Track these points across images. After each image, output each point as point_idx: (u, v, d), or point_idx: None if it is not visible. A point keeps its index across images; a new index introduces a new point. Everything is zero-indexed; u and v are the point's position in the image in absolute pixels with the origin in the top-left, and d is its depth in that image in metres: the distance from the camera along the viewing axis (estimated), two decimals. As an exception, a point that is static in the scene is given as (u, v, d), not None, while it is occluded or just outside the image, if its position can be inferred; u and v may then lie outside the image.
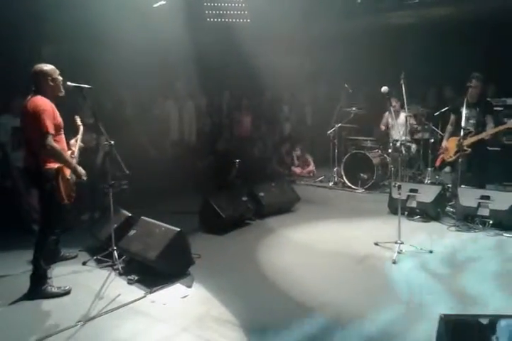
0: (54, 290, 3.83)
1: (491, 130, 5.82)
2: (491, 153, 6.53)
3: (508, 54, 7.68)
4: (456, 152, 5.88)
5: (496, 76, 7.16)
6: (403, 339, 3.16)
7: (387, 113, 6.74)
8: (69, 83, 4.18)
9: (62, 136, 3.99)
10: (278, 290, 3.96)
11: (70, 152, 4.10)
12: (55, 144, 3.72)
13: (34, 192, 5.32)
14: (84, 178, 4.07)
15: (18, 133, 5.00)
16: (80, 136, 4.39)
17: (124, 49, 7.85)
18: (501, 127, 5.89)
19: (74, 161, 4.04)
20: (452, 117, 6.20)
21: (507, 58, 7.68)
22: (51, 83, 3.86)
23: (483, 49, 7.79)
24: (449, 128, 6.23)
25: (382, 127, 7.91)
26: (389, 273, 4.26)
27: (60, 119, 3.90)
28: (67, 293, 3.86)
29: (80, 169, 4.01)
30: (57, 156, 3.77)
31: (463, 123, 5.67)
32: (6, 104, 5.61)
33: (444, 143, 6.18)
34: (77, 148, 4.27)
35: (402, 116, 7.30)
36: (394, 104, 7.03)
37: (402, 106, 6.68)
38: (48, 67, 3.88)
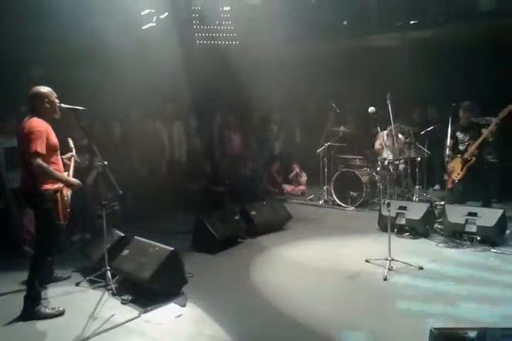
0: (48, 311, 3.82)
1: (486, 130, 5.97)
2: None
3: (489, 74, 7.94)
4: (462, 167, 6.09)
5: (479, 96, 7.39)
6: (396, 354, 3.22)
7: (383, 132, 6.86)
8: (62, 105, 4.26)
9: (59, 157, 4.03)
10: (271, 308, 3.99)
11: (65, 173, 4.11)
12: (41, 162, 3.71)
13: (27, 213, 5.36)
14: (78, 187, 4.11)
15: (13, 153, 5.02)
16: (74, 153, 4.40)
17: (115, 70, 7.97)
18: (502, 114, 5.86)
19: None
20: (450, 142, 6.35)
21: (490, 77, 7.94)
22: (47, 105, 3.93)
23: (463, 70, 8.05)
24: (448, 152, 6.32)
25: (379, 147, 7.83)
26: (380, 289, 4.32)
27: (55, 140, 3.94)
28: (61, 314, 3.85)
29: (74, 180, 4.04)
30: (48, 173, 3.77)
31: (461, 147, 6.16)
32: (1, 125, 5.66)
33: (450, 165, 6.26)
34: (72, 164, 4.29)
35: (400, 136, 7.46)
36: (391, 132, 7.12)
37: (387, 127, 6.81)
38: (45, 89, 3.96)
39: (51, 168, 3.81)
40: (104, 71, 8.35)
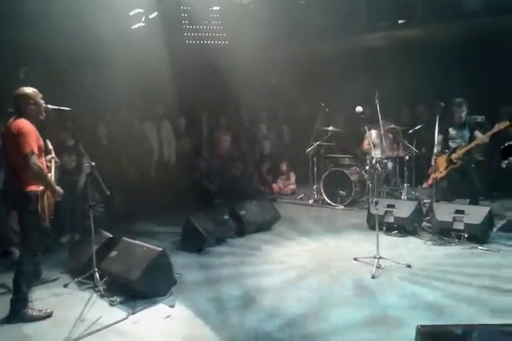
0: (35, 313, 3.80)
1: (481, 137, 6.03)
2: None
3: (477, 73, 8.02)
4: (446, 167, 6.15)
5: (465, 94, 7.45)
6: (383, 352, 3.24)
7: (371, 131, 6.88)
8: (49, 106, 4.23)
9: (43, 158, 4.02)
10: (260, 308, 4.00)
11: (49, 174, 4.08)
12: (40, 164, 3.76)
13: (13, 214, 5.30)
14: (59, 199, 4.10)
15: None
16: (54, 155, 4.33)
17: (103, 70, 7.93)
18: (491, 131, 5.94)
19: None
20: (440, 137, 6.38)
21: (476, 77, 8.01)
22: (33, 106, 3.90)
23: (452, 68, 8.12)
24: (437, 148, 6.35)
25: (367, 147, 7.82)
26: (368, 287, 4.34)
27: (41, 142, 3.94)
28: (48, 316, 3.83)
29: (58, 189, 4.04)
30: (41, 176, 3.78)
31: (452, 144, 6.21)
32: None
33: (433, 162, 6.33)
34: (53, 167, 4.24)
35: (376, 133, 7.48)
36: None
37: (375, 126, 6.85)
38: (30, 90, 3.93)
39: None
40: (92, 71, 8.31)
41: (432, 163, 6.35)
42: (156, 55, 8.10)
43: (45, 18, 7.36)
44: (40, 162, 3.84)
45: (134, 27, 8.78)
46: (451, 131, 6.33)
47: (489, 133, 5.96)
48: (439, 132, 6.38)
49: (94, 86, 8.03)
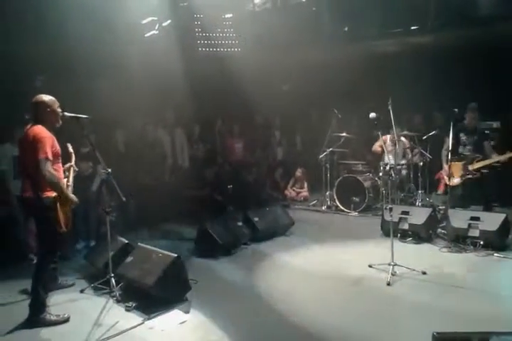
0: (53, 318, 3.85)
1: (501, 156, 5.97)
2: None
3: (491, 79, 7.97)
4: (461, 175, 6.09)
5: (480, 100, 7.41)
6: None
7: (385, 136, 6.87)
8: (66, 113, 4.31)
9: (60, 164, 4.07)
10: (275, 314, 4.00)
11: (65, 180, 4.12)
12: (53, 171, 3.79)
13: (32, 221, 5.39)
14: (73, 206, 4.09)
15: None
16: (73, 163, 4.39)
17: (117, 77, 8.04)
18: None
19: (69, 189, 4.10)
20: (450, 142, 6.29)
21: (490, 83, 7.97)
22: (50, 114, 3.96)
23: (465, 74, 8.08)
24: (445, 153, 6.33)
25: (379, 149, 7.78)
26: (383, 294, 4.32)
27: (58, 148, 3.99)
28: (65, 321, 3.87)
29: (73, 197, 4.03)
30: (54, 184, 3.80)
31: (463, 150, 6.12)
32: (9, 133, 5.69)
33: (445, 168, 6.26)
34: (71, 175, 4.29)
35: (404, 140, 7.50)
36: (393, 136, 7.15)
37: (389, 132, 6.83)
38: (47, 97, 4.00)
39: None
40: (107, 78, 8.43)
41: (446, 168, 6.27)
42: (169, 62, 8.19)
43: (61, 27, 7.51)
44: (55, 169, 3.88)
45: (147, 35, 8.91)
46: (462, 137, 6.26)
47: (505, 156, 5.93)
48: (452, 138, 6.34)
49: (110, 93, 8.15)
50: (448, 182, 6.19)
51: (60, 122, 4.11)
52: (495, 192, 6.80)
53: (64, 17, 7.69)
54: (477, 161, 6.08)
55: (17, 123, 5.82)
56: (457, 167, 6.16)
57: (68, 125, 5.13)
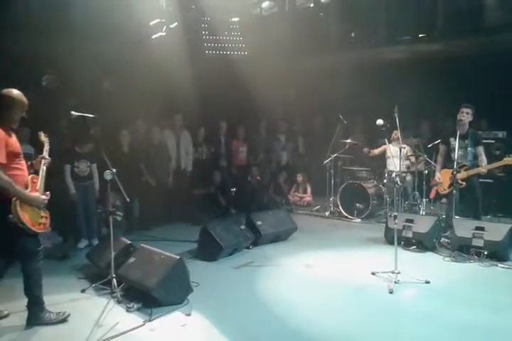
0: (53, 316, 3.81)
1: (488, 166, 5.84)
2: (483, 185, 6.59)
3: (499, 88, 7.96)
4: (450, 185, 5.97)
5: (487, 109, 7.40)
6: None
7: (388, 144, 6.86)
8: (73, 112, 4.31)
9: (23, 161, 3.76)
10: (276, 318, 3.98)
11: (30, 177, 3.77)
12: (3, 176, 3.48)
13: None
14: (42, 206, 3.75)
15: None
16: (44, 154, 4.01)
17: (124, 78, 8.06)
18: (498, 163, 5.85)
19: (38, 184, 3.77)
20: (442, 148, 6.28)
21: (497, 92, 7.96)
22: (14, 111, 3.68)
23: (473, 83, 8.07)
24: (440, 159, 6.31)
25: (375, 151, 7.86)
26: (386, 302, 4.28)
27: (16, 145, 3.68)
28: (65, 319, 3.83)
29: (34, 197, 3.68)
30: (6, 190, 3.49)
31: (455, 156, 5.79)
32: None
33: (437, 175, 6.23)
34: (41, 168, 3.92)
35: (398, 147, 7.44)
36: (394, 136, 7.18)
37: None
38: (15, 92, 3.71)
39: (14, 175, 3.58)
40: (113, 79, 8.45)
41: (438, 175, 6.19)
42: (175, 64, 8.19)
43: (67, 28, 7.55)
44: (16, 168, 3.62)
45: (154, 36, 8.93)
46: (452, 142, 5.99)
47: (491, 166, 5.82)
48: (441, 143, 6.27)
49: (115, 94, 8.17)
50: (439, 191, 6.14)
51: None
52: (494, 202, 6.72)
53: (71, 18, 7.74)
54: (464, 170, 5.90)
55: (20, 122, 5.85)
56: (447, 175, 6.03)
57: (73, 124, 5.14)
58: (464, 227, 5.57)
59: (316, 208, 8.55)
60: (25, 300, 3.80)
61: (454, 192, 5.83)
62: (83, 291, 4.50)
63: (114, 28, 7.64)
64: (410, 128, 8.09)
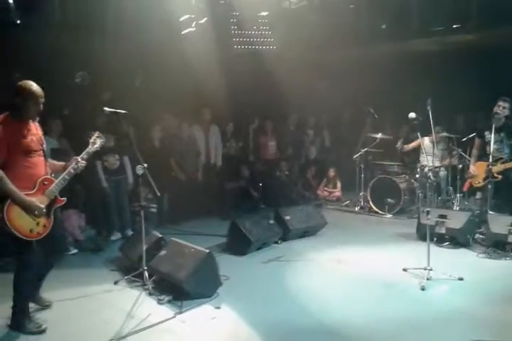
0: (31, 326, 3.54)
1: None
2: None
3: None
4: (485, 178, 5.83)
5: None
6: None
7: (423, 138, 6.70)
8: (106, 108, 4.39)
9: (38, 158, 3.55)
10: (306, 313, 3.96)
11: (41, 178, 3.52)
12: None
13: (67, 215, 5.53)
14: (37, 213, 3.40)
15: (58, 154, 5.06)
16: (79, 158, 3.73)
17: (154, 74, 8.16)
18: None
19: (51, 187, 3.55)
20: (477, 141, 6.14)
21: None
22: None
23: (507, 73, 7.78)
24: (475, 152, 6.18)
25: (406, 147, 7.72)
26: (417, 299, 4.21)
27: (27, 140, 3.47)
28: (41, 332, 3.55)
29: (30, 202, 3.37)
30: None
31: (490, 149, 5.69)
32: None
33: (472, 168, 6.10)
34: (68, 170, 3.65)
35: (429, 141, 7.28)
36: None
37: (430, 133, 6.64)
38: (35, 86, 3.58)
39: (19, 172, 3.40)
40: (144, 75, 8.56)
41: (472, 168, 6.05)
42: (205, 59, 8.24)
43: (99, 24, 7.68)
44: (26, 166, 3.43)
45: (184, 32, 8.99)
46: (487, 135, 5.87)
47: None
48: (477, 136, 6.11)
49: (146, 89, 8.28)
50: (473, 184, 5.98)
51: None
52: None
53: (103, 14, 7.86)
54: (501, 163, 5.76)
55: (54, 116, 6.02)
56: (482, 167, 5.89)
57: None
58: (499, 223, 5.41)
59: (346, 203, 8.47)
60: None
61: (489, 186, 5.68)
62: (116, 283, 4.60)
63: (144, 24, 7.73)
64: (444, 122, 7.87)
